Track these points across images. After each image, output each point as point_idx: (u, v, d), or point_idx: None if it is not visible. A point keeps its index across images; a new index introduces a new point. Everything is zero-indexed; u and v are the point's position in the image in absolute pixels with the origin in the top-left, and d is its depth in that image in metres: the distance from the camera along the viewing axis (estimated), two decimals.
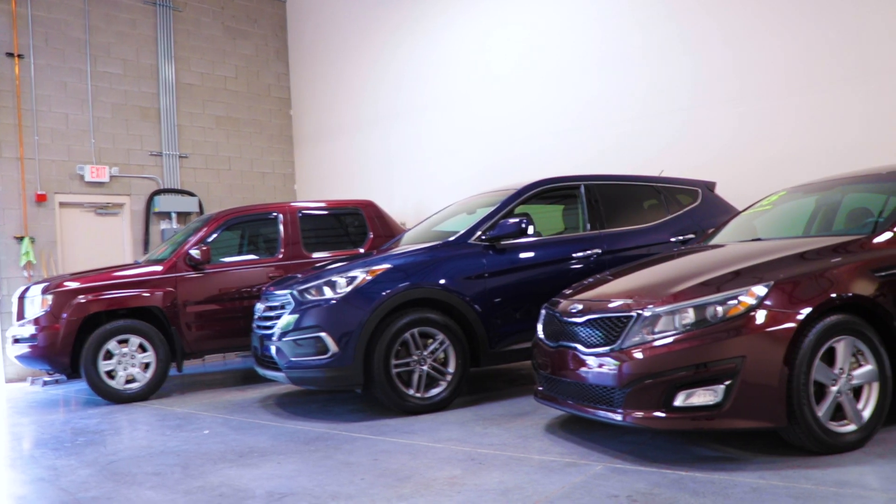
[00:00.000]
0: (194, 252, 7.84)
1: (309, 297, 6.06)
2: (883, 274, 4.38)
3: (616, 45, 9.69)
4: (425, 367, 5.99)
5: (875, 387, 4.26)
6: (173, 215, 12.62)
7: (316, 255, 8.52)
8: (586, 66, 10.01)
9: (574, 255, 6.57)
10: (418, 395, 5.97)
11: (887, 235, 4.61)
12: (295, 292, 6.16)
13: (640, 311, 4.30)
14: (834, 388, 4.15)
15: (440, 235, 6.72)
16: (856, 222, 5.25)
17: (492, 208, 6.59)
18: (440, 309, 6.09)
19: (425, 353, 5.99)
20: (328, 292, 5.99)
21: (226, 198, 13.38)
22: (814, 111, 7.98)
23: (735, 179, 8.09)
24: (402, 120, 12.57)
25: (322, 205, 9.07)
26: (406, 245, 6.89)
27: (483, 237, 6.36)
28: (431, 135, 12.11)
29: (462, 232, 6.43)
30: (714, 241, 5.82)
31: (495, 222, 6.41)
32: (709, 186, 7.61)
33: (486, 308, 6.18)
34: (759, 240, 5.44)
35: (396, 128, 12.68)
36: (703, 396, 4.03)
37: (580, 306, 4.73)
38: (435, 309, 6.07)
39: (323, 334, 5.86)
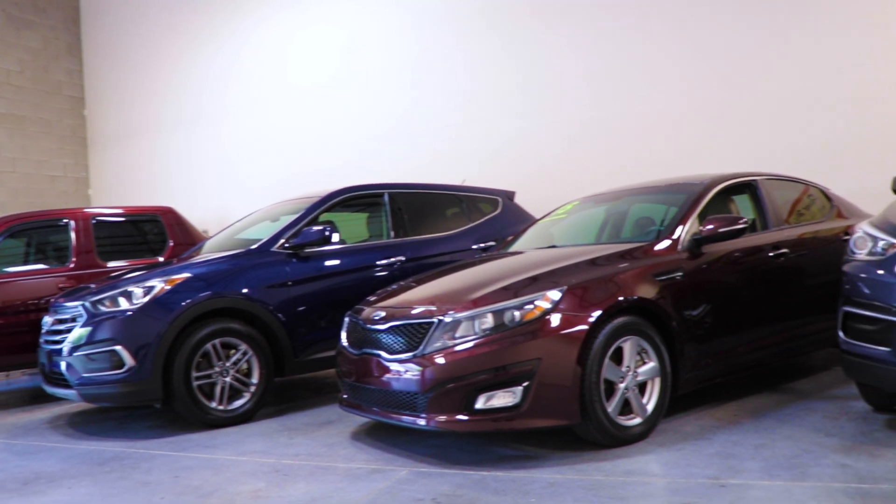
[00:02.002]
0: None
1: (103, 308, 5.75)
2: (663, 278, 4.73)
3: (433, 52, 9.88)
4: (228, 379, 5.83)
5: (657, 382, 4.59)
6: None
7: (111, 263, 8.09)
8: (402, 74, 10.13)
9: (378, 262, 6.62)
10: (221, 407, 5.80)
11: (667, 243, 4.98)
12: (87, 304, 5.83)
13: (441, 317, 4.39)
14: (622, 385, 4.42)
15: (243, 243, 6.56)
16: (641, 230, 5.62)
17: (295, 216, 6.53)
18: (243, 318, 5.95)
19: (228, 364, 5.83)
20: (124, 303, 5.72)
21: (9, 202, 12.43)
22: (607, 125, 8.52)
23: (547, 187, 8.48)
24: (208, 123, 12.21)
25: (118, 211, 8.64)
26: (207, 253, 6.70)
27: (287, 245, 6.28)
28: (238, 139, 11.83)
29: (265, 240, 6.32)
30: (513, 249, 6.04)
31: (299, 230, 6.36)
32: (509, 196, 7.90)
33: (290, 317, 6.10)
34: (554, 247, 5.72)
35: (201, 131, 12.30)
36: (503, 398, 4.17)
37: (383, 313, 4.77)
38: (238, 318, 5.92)
39: (118, 347, 5.57)
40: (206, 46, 12.31)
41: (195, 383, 5.68)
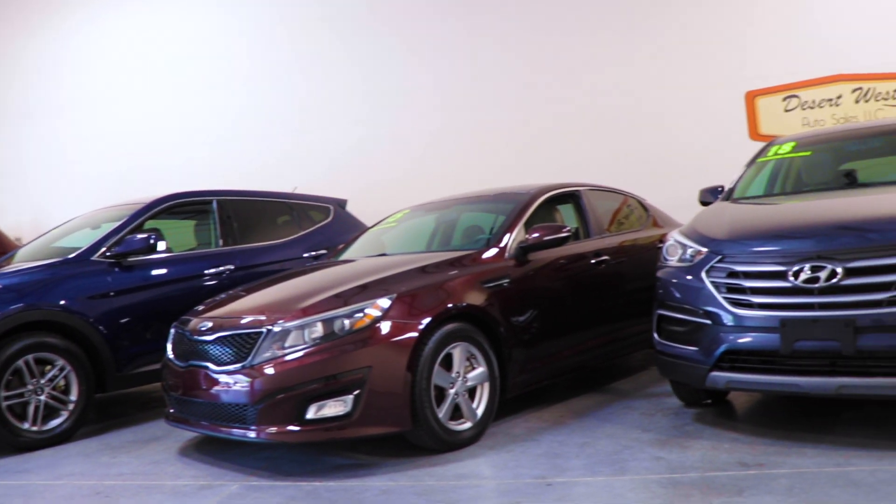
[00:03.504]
0: None
1: None
2: (491, 285, 4.86)
3: (269, 57, 9.74)
4: (43, 397, 5.48)
5: (486, 387, 4.69)
6: None
7: None
8: (236, 78, 9.94)
9: (206, 271, 6.45)
10: (35, 428, 5.44)
11: (494, 251, 5.12)
12: None
13: (270, 327, 4.32)
14: (452, 391, 4.50)
15: (61, 252, 6.22)
16: (470, 238, 5.75)
17: (118, 223, 6.26)
18: (60, 332, 5.62)
19: (43, 381, 5.49)
20: None
21: None
22: (449, 134, 8.68)
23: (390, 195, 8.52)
24: (28, 123, 11.49)
25: None
26: (20, 262, 6.30)
27: (108, 254, 6.01)
28: (61, 141, 11.23)
29: (85, 248, 6.02)
30: (344, 257, 6.04)
31: (122, 238, 6.10)
32: (340, 204, 7.89)
33: (112, 329, 5.83)
34: (385, 255, 5.75)
35: (20, 131, 11.54)
36: (334, 407, 4.16)
37: (210, 324, 4.65)
38: (54, 332, 5.59)
39: None
40: (32, 40, 11.58)
41: (4, 403, 5.30)
